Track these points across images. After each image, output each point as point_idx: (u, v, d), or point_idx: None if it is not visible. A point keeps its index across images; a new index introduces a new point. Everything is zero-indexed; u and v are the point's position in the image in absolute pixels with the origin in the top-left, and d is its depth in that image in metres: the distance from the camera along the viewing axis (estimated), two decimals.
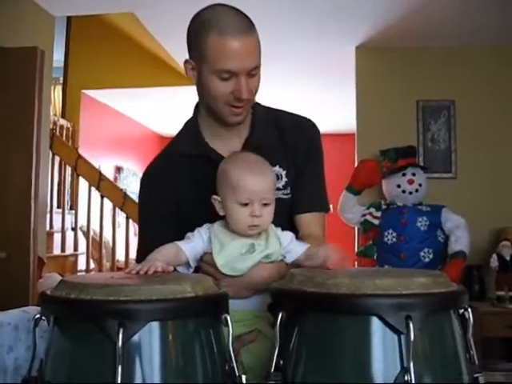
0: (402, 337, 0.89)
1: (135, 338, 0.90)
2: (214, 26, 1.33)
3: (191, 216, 1.41)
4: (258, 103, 1.53)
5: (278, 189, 1.46)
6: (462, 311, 0.99)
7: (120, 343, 0.87)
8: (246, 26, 1.35)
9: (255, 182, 1.28)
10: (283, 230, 1.37)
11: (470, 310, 0.99)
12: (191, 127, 1.53)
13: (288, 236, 1.35)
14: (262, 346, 1.21)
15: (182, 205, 1.48)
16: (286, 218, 1.48)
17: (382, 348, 0.90)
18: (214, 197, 1.32)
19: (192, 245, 1.30)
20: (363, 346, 0.91)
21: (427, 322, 0.91)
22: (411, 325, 0.88)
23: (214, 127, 1.49)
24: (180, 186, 1.49)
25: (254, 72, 1.37)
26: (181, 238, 1.34)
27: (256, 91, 1.42)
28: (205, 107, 1.48)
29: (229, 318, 0.98)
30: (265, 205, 1.29)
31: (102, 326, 0.89)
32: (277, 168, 1.48)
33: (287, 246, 1.33)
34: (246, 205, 1.28)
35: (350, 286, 0.94)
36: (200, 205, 1.37)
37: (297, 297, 0.99)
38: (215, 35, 1.32)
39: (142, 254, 1.28)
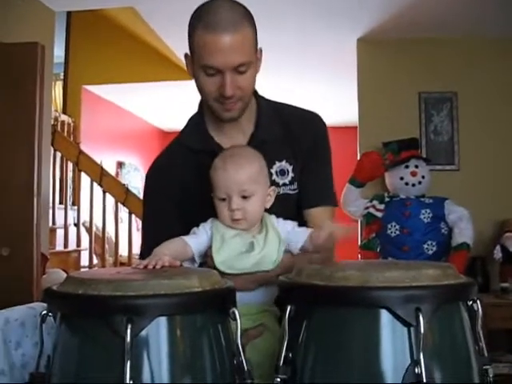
0: (412, 329, 0.89)
1: (143, 333, 0.89)
2: (200, 21, 1.31)
3: (196, 210, 1.41)
4: (263, 97, 1.52)
5: (285, 184, 1.46)
6: (470, 303, 0.98)
7: (128, 339, 0.87)
8: (233, 21, 1.30)
9: (227, 177, 1.28)
10: None
11: (478, 301, 0.98)
12: (197, 122, 1.52)
13: (288, 225, 1.34)
14: (267, 341, 1.21)
15: (187, 199, 1.48)
16: (293, 212, 1.47)
17: (392, 340, 0.90)
18: (212, 194, 1.33)
19: (197, 240, 1.30)
20: (372, 338, 0.90)
21: (437, 313, 0.91)
22: (421, 317, 0.88)
23: (218, 122, 1.47)
24: (185, 181, 1.48)
25: (242, 69, 1.33)
26: (185, 232, 1.33)
27: (248, 88, 1.39)
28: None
29: (237, 311, 0.98)
30: (245, 197, 1.29)
31: (110, 321, 0.89)
32: (283, 163, 1.47)
33: (287, 235, 1.32)
34: (224, 199, 1.29)
35: (358, 278, 0.94)
36: (205, 199, 1.37)
37: (305, 290, 0.99)
38: (200, 30, 1.31)
39: (147, 249, 1.28)
